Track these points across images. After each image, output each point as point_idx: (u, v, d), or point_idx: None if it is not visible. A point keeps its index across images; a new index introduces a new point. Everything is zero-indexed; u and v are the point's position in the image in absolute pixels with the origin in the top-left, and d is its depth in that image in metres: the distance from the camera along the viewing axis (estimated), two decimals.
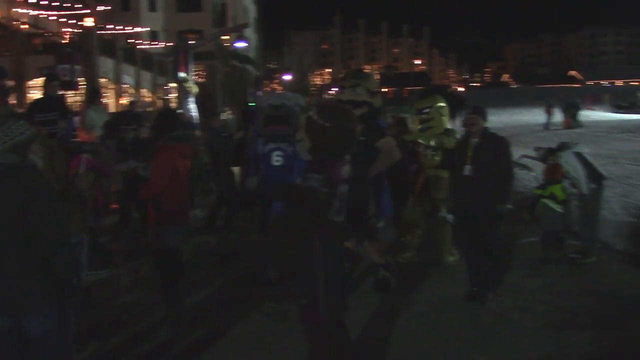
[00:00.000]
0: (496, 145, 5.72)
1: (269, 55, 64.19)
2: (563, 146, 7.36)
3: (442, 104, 6.99)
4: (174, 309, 5.22)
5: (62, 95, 8.26)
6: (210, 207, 9.39)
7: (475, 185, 5.58)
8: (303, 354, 4.19)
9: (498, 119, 37.16)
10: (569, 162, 7.08)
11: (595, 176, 7.03)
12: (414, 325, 5.23)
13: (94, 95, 8.94)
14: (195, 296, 6.20)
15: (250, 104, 14.01)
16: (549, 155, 7.36)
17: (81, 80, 18.32)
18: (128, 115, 8.84)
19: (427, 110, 6.91)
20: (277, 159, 6.37)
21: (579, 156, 7.15)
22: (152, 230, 5.25)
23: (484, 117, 5.82)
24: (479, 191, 5.56)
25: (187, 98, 15.29)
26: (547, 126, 30.35)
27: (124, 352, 4.88)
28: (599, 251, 7.23)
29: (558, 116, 31.25)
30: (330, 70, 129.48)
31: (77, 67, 17.31)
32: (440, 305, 5.67)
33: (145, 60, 37.86)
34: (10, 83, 7.57)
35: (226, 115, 18.81)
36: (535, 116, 37.38)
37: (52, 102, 7.35)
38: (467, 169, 5.64)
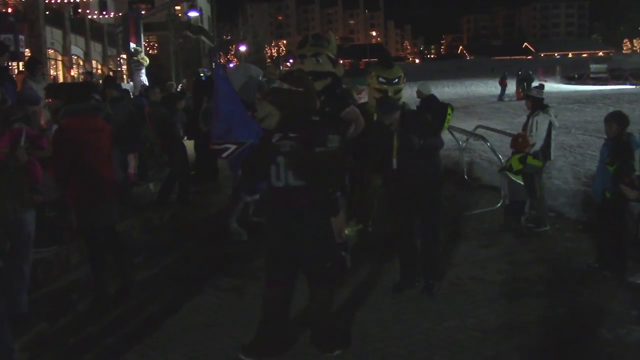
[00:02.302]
0: (416, 121, 5.25)
1: (223, 26, 62.95)
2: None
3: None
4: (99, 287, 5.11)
5: (8, 66, 7.80)
6: (163, 182, 9.13)
7: (408, 170, 5.13)
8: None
9: (453, 91, 37.54)
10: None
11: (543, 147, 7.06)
12: (374, 297, 5.19)
13: (33, 65, 8.44)
14: (147, 272, 6.03)
15: (201, 76, 13.72)
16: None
17: (27, 52, 17.53)
18: (88, 85, 8.40)
19: (396, 80, 6.68)
20: None
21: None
22: (73, 211, 4.99)
23: (396, 109, 5.29)
24: (413, 174, 5.13)
25: (138, 70, 14.80)
26: (501, 97, 30.74)
27: (73, 331, 4.69)
28: (552, 220, 7.34)
29: (512, 88, 31.67)
30: (286, 41, 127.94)
31: (22, 37, 16.52)
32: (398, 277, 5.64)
33: (94, 31, 36.59)
34: None
35: (180, 87, 18.29)
36: (489, 88, 37.82)
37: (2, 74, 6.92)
38: (395, 163, 5.16)
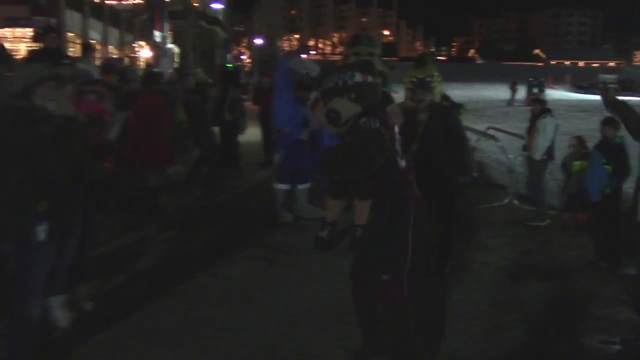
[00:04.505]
0: (445, 117, 5.78)
1: (237, 18, 63.49)
2: None
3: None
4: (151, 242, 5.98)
5: (58, 47, 8.43)
6: (192, 164, 9.74)
7: (428, 160, 5.50)
8: (297, 297, 4.71)
9: (463, 93, 38.01)
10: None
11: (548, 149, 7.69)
12: None
13: (86, 49, 9.11)
14: (181, 245, 6.65)
15: (228, 66, 14.33)
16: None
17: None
18: (118, 69, 9.05)
19: (429, 79, 7.15)
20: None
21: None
22: (133, 171, 6.05)
23: (430, 91, 5.88)
24: (433, 166, 5.51)
25: (165, 57, 15.41)
26: (510, 102, 31.32)
27: (129, 287, 5.32)
28: (554, 216, 7.93)
29: (522, 93, 32.22)
30: (298, 36, 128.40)
31: (53, 20, 17.17)
32: None
33: (112, 17, 37.22)
34: None
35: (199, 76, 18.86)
36: (498, 92, 38.38)
37: (53, 53, 7.53)
38: (414, 148, 5.53)
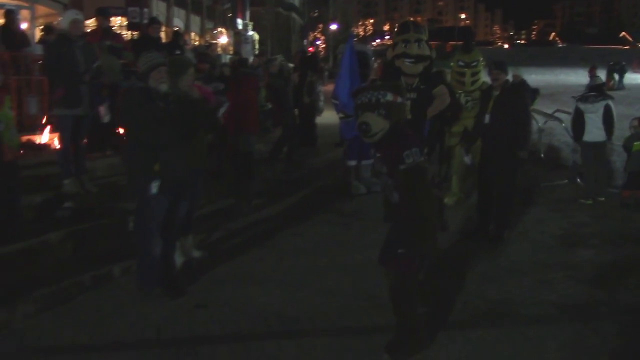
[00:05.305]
0: (514, 96, 6.50)
1: (312, 3, 64.27)
2: None
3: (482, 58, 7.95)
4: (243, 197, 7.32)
5: (159, 37, 9.48)
6: (274, 143, 10.65)
7: (495, 132, 6.32)
8: (366, 255, 5.48)
9: (542, 78, 37.21)
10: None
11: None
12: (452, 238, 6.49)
13: (177, 37, 10.20)
14: (268, 210, 7.57)
15: (307, 53, 15.16)
16: None
17: None
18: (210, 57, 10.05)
19: (474, 63, 7.85)
20: None
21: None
22: (231, 137, 7.21)
23: (505, 71, 6.59)
24: (499, 137, 6.29)
25: (246, 43, 16.43)
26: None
27: (223, 243, 6.30)
28: (612, 195, 8.33)
29: (601, 78, 31.39)
30: (373, 20, 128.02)
31: (146, 10, 18.53)
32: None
33: (194, 5, 38.89)
34: None
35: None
36: (579, 77, 37.14)
37: (154, 42, 8.56)
38: (487, 118, 6.43)
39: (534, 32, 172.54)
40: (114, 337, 4.20)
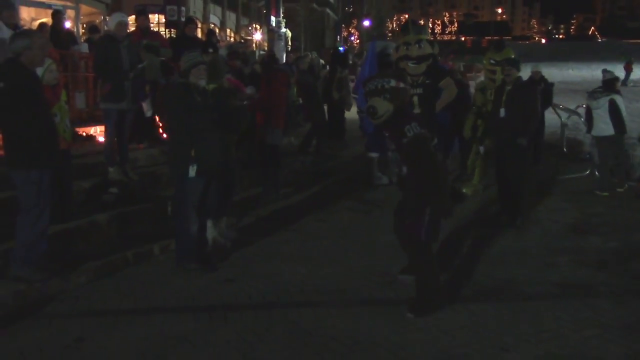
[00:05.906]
0: (525, 90, 6.96)
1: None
2: None
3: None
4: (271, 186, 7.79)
5: (196, 36, 10.07)
6: (305, 135, 11.14)
7: (507, 124, 6.75)
8: (385, 241, 5.93)
9: (578, 74, 36.82)
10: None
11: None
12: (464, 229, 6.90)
13: (209, 35, 10.83)
14: (295, 198, 8.09)
15: (339, 49, 15.60)
16: None
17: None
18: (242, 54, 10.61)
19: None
20: None
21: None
22: (259, 131, 7.64)
23: (517, 68, 6.98)
24: (510, 129, 6.70)
25: (279, 41, 16.95)
26: (625, 82, 30.29)
27: (252, 227, 6.83)
28: (630, 187, 8.60)
29: (638, 73, 31.02)
30: (408, 15, 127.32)
31: (183, 8, 19.21)
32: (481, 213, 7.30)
33: (230, 1, 39.66)
34: None
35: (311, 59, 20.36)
36: (618, 72, 36.59)
37: (191, 41, 9.13)
38: (502, 112, 6.83)
39: (572, 27, 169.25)
40: (155, 304, 4.76)
